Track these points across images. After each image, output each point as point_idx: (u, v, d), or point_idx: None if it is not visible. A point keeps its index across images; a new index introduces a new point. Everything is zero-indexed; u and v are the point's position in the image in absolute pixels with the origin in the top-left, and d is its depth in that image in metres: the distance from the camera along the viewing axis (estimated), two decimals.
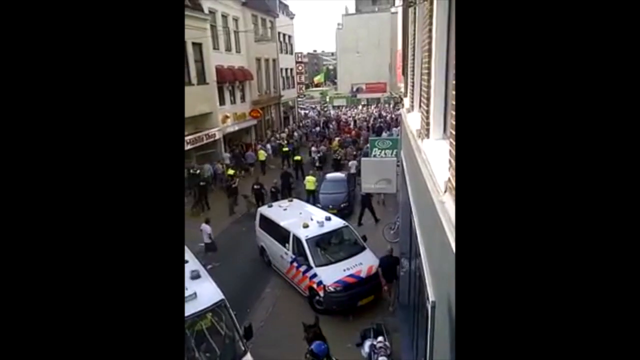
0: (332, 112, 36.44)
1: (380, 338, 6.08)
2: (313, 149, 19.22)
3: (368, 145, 12.64)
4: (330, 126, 27.21)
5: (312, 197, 12.70)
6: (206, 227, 9.79)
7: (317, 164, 17.04)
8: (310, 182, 13.17)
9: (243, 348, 5.29)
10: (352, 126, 26.08)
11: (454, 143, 2.07)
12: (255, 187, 13.09)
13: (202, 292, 5.18)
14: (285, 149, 19.23)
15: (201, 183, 13.90)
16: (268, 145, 20.34)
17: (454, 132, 2.11)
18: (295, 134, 24.43)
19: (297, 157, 17.34)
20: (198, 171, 15.16)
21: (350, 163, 15.67)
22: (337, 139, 20.94)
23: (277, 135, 22.80)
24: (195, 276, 5.50)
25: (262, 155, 18.18)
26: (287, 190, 13.61)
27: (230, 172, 14.89)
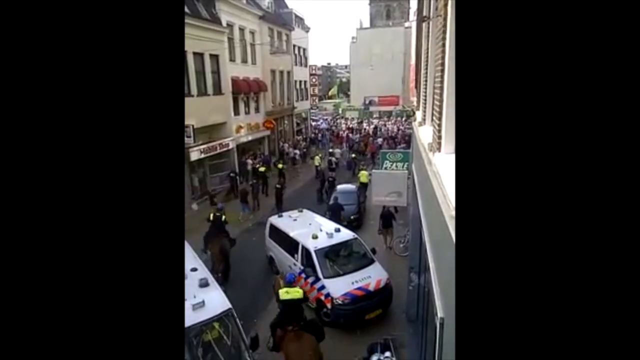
0: (355, 124, 36.68)
1: (387, 353, 5.97)
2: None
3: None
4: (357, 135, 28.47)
5: (364, 189, 14.23)
6: None
7: (332, 165, 18.34)
8: (363, 175, 15.21)
9: (249, 359, 5.25)
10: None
11: None
12: (277, 186, 14.55)
13: (210, 301, 5.18)
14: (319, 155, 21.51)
15: (231, 174, 15.71)
16: (296, 150, 22.17)
17: None
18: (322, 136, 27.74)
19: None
20: (257, 166, 17.12)
21: None
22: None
23: (300, 144, 24.62)
24: (204, 284, 5.52)
25: (317, 160, 19.49)
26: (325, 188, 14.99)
27: (280, 165, 16.75)
